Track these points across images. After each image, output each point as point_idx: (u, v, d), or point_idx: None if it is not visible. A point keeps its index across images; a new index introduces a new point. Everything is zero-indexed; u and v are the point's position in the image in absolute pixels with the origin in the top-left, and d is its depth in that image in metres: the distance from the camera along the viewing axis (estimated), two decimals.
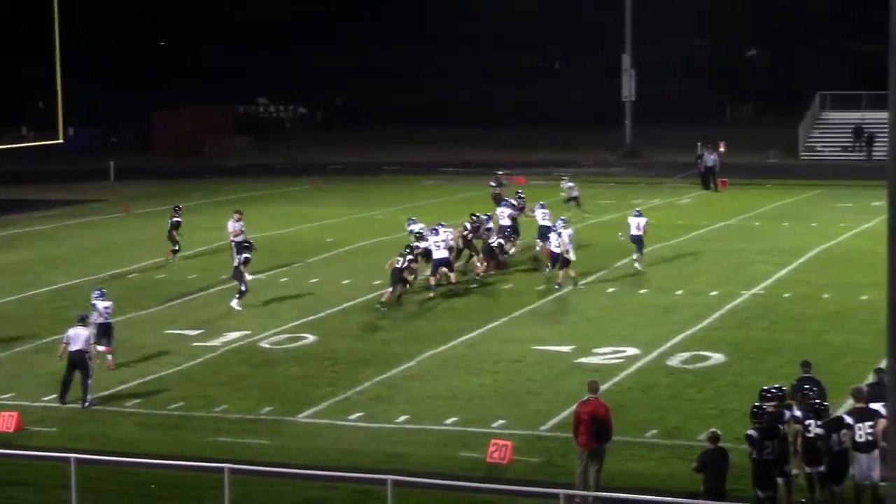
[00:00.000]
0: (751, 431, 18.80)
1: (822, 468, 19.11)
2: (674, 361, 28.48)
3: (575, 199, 51.47)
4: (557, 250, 36.59)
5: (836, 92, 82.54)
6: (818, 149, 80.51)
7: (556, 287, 36.27)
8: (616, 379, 27.06)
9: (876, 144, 75.55)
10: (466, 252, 39.37)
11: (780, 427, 19.00)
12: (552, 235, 37.49)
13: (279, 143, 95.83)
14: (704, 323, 32.24)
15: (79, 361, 25.83)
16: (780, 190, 62.06)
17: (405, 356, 29.30)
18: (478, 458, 22.05)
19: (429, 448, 23.01)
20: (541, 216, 41.78)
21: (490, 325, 32.33)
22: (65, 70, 55.27)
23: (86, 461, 20.14)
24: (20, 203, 60.03)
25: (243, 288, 34.80)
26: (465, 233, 39.13)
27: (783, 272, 38.93)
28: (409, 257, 35.08)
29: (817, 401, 19.75)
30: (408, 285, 35.31)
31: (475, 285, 37.11)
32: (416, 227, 38.78)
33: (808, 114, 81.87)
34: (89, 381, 25.85)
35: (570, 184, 52.39)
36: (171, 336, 31.86)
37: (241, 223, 39.79)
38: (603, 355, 29.10)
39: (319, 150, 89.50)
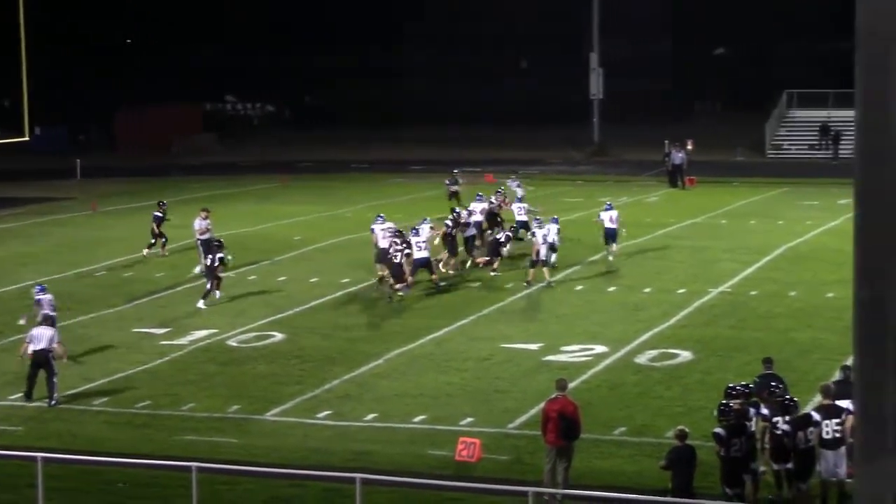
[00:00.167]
0: (718, 429, 18.86)
1: (789, 465, 19.19)
2: (642, 359, 28.53)
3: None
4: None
5: (802, 90, 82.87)
6: (785, 147, 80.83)
7: (525, 285, 36.34)
8: (584, 377, 27.09)
9: (842, 142, 75.91)
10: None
11: (747, 424, 19.08)
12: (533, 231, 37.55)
13: (246, 141, 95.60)
14: (672, 321, 32.32)
15: (42, 361, 25.72)
16: (748, 188, 62.27)
17: (373, 354, 29.27)
18: (446, 456, 22.03)
19: (397, 446, 22.98)
20: (517, 210, 41.97)
21: (458, 324, 32.32)
22: (31, 69, 54.97)
23: (53, 460, 20.06)
24: None
25: (209, 286, 34.81)
26: (448, 230, 39.02)
27: (750, 270, 39.07)
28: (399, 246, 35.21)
29: (787, 397, 19.85)
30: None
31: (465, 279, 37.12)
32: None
33: (774, 112, 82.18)
34: (55, 380, 25.74)
35: (517, 181, 51.51)
36: (138, 334, 31.75)
37: (209, 221, 39.72)
38: (571, 353, 29.12)
39: (287, 148, 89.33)
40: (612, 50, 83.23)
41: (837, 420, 19.05)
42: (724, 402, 19.35)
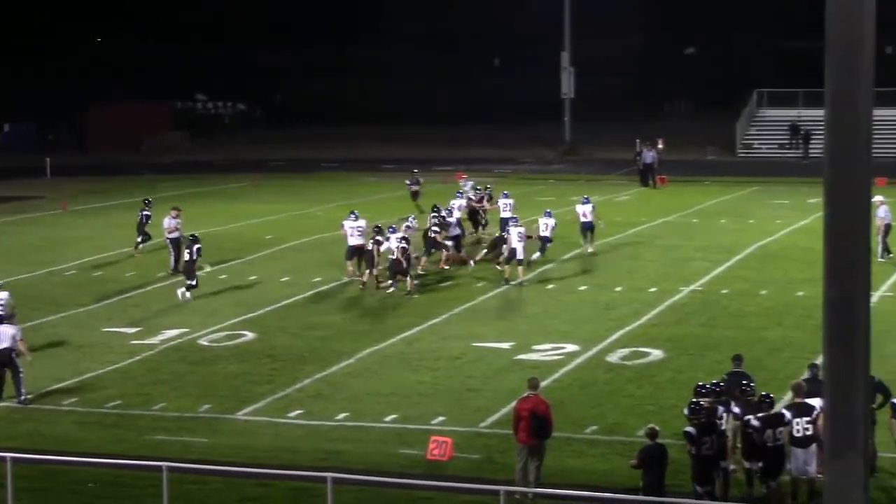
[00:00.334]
0: (689, 428, 18.89)
1: (760, 464, 19.24)
2: (613, 358, 28.56)
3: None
4: (518, 244, 36.58)
5: (772, 89, 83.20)
6: (755, 146, 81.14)
7: (504, 283, 36.39)
8: (556, 375, 27.10)
9: (812, 142, 76.25)
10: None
11: (718, 422, 19.13)
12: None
13: (217, 139, 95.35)
14: (643, 319, 32.37)
15: (6, 360, 25.57)
16: (718, 187, 62.46)
17: (344, 353, 29.23)
18: (417, 455, 22.00)
19: (368, 445, 22.94)
20: (502, 206, 42.07)
21: (429, 323, 32.30)
22: None
23: (22, 460, 19.95)
24: None
25: (194, 283, 34.82)
26: (432, 228, 38.92)
27: (721, 269, 39.18)
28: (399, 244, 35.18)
29: (763, 393, 19.90)
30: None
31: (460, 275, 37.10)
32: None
33: (745, 111, 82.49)
34: (21, 376, 25.58)
35: (471, 182, 51.09)
36: (108, 333, 31.61)
37: (179, 220, 39.60)
38: (543, 352, 29.13)
39: (259, 146, 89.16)
40: (584, 49, 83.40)
41: (808, 418, 19.11)
42: (694, 400, 19.39)
